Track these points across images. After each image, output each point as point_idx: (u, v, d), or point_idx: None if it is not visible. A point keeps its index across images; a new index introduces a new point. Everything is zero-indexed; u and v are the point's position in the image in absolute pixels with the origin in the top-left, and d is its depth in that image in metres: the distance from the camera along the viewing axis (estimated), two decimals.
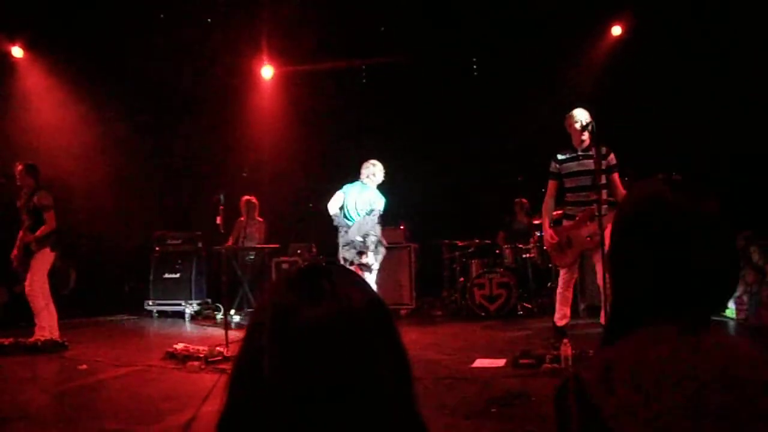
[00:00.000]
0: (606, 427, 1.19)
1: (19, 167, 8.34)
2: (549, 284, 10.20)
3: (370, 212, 8.60)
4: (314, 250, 11.73)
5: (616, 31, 11.68)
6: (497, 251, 11.18)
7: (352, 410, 1.08)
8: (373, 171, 8.80)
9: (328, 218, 9.55)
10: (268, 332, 1.11)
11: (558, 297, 7.07)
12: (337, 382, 1.08)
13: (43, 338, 8.12)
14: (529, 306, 10.54)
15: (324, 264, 1.22)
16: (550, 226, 7.05)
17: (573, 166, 6.74)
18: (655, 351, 1.26)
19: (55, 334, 8.26)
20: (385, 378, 1.13)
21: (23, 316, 8.37)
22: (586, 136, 6.59)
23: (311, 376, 1.07)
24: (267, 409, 1.08)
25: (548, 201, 7.01)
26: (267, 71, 13.00)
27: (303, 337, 1.08)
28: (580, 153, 6.71)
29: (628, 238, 1.41)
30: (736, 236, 1.38)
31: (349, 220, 8.66)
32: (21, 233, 8.29)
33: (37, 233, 8.15)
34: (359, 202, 8.66)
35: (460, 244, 11.28)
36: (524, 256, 10.75)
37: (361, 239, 8.46)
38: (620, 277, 1.43)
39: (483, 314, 10.32)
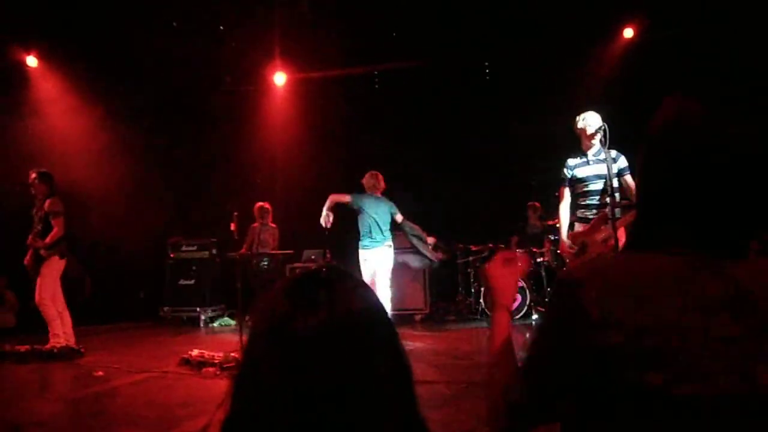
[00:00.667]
0: (591, 330, 1.17)
1: (33, 175, 8.40)
2: None
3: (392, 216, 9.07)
4: (328, 255, 11.74)
5: (629, 33, 11.64)
6: None
7: (351, 417, 1.08)
8: (374, 183, 9.13)
9: (341, 224, 9.60)
10: (266, 341, 1.11)
11: None
12: (335, 390, 1.08)
13: (58, 345, 8.16)
14: (543, 310, 10.51)
15: (322, 271, 1.22)
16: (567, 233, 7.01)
17: (584, 170, 6.71)
18: (659, 264, 1.22)
19: (71, 341, 8.29)
20: (384, 384, 1.13)
21: (39, 322, 8.40)
22: (597, 139, 6.56)
23: (308, 384, 1.07)
24: (268, 416, 1.08)
25: (563, 207, 6.97)
26: (280, 78, 13.04)
27: (299, 345, 1.08)
28: (590, 158, 6.68)
29: (656, 160, 1.35)
30: None
31: (374, 231, 8.93)
32: (30, 239, 8.35)
33: (47, 239, 8.20)
34: (380, 212, 8.98)
35: (473, 248, 11.27)
36: (538, 259, 10.73)
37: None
38: (646, 196, 1.37)
39: None
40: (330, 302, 1.12)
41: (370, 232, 8.89)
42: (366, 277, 8.71)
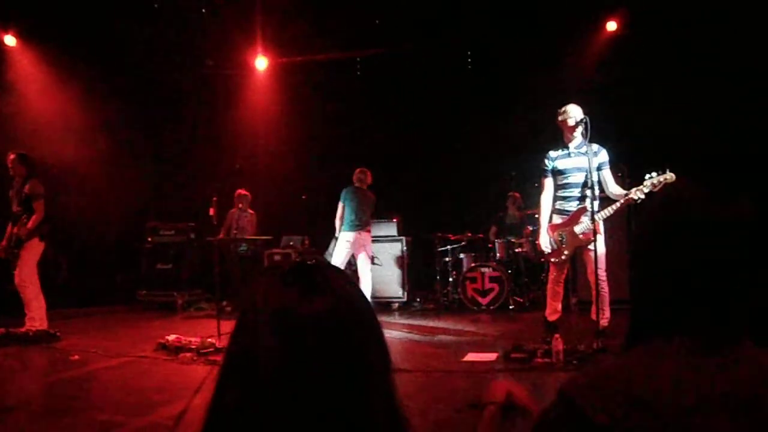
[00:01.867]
0: None
1: (11, 156, 8.33)
2: (542, 276, 10.23)
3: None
4: (307, 242, 11.74)
5: (612, 26, 11.67)
6: (489, 245, 11.20)
7: (345, 401, 1.10)
8: (362, 177, 9.77)
9: (321, 210, 9.63)
10: (268, 329, 1.12)
11: (549, 292, 7.09)
12: (333, 374, 1.10)
13: (34, 329, 8.10)
14: (521, 300, 10.58)
15: (313, 260, 1.24)
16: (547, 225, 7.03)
17: (565, 162, 6.74)
18: (662, 365, 1.20)
19: (44, 325, 8.24)
20: (374, 368, 1.16)
21: (14, 305, 8.34)
22: (578, 132, 6.59)
23: (309, 368, 1.09)
24: (264, 401, 1.09)
25: (544, 199, 7.00)
26: (261, 62, 12.96)
27: (305, 330, 1.10)
28: (572, 150, 6.71)
29: (651, 243, 1.33)
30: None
31: (358, 215, 9.53)
32: (10, 224, 8.29)
33: (29, 224, 8.13)
34: (364, 201, 9.62)
35: (452, 237, 11.30)
36: (516, 250, 10.78)
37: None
38: (641, 284, 1.35)
39: (475, 308, 10.38)
40: (328, 290, 1.16)
41: (355, 216, 9.44)
42: (339, 258, 9.40)
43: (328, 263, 1.28)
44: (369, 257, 9.66)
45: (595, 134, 6.51)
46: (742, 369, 1.18)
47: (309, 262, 1.23)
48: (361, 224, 9.49)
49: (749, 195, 1.27)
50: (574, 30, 11.63)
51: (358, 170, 9.78)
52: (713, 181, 1.30)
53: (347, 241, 9.47)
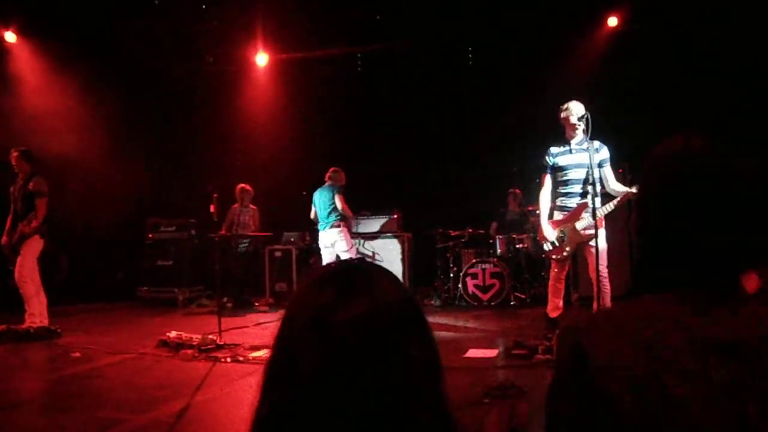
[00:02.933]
0: (592, 376, 1.17)
1: (15, 153, 8.34)
2: (542, 274, 10.23)
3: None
4: (308, 238, 11.73)
5: (613, 22, 11.65)
6: (490, 241, 11.19)
7: (391, 405, 1.09)
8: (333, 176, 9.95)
9: None
10: (306, 334, 1.11)
11: (550, 288, 7.08)
12: (376, 377, 1.09)
13: (35, 325, 8.11)
14: (522, 296, 10.56)
15: (356, 262, 1.23)
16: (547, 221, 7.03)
17: (567, 159, 6.73)
18: (664, 309, 1.21)
19: (45, 322, 8.25)
20: (420, 372, 1.14)
21: (15, 302, 8.35)
22: (580, 129, 6.58)
23: (351, 371, 1.08)
24: (308, 407, 1.09)
25: (544, 195, 6.99)
26: (261, 58, 12.95)
27: (344, 334, 1.09)
28: (573, 146, 6.70)
29: (658, 194, 1.33)
30: None
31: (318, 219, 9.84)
32: (10, 219, 8.29)
33: (34, 222, 8.15)
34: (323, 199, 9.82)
35: (453, 233, 11.28)
36: (517, 246, 10.76)
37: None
38: (647, 237, 1.35)
39: (476, 304, 10.37)
40: (370, 289, 1.14)
41: (318, 217, 9.82)
42: (326, 259, 9.63)
43: (374, 264, 1.26)
44: (347, 252, 9.70)
45: (596, 131, 6.49)
46: (741, 319, 1.18)
47: (353, 263, 1.22)
48: (322, 223, 9.72)
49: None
50: (576, 26, 11.62)
51: (331, 169, 9.98)
52: (725, 138, 1.29)
53: (321, 244, 9.82)
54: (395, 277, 1.23)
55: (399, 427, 1.09)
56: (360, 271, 1.19)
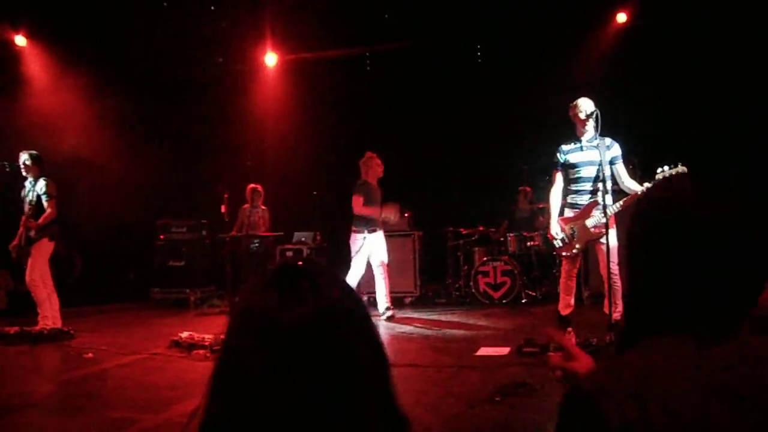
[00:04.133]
0: None
1: (24, 156, 8.39)
2: (553, 271, 10.21)
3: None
4: (318, 238, 11.74)
5: (622, 18, 11.62)
6: (501, 239, 11.17)
7: (337, 408, 1.08)
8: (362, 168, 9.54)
9: (332, 206, 9.60)
10: (250, 337, 1.10)
11: (561, 286, 7.07)
12: (321, 380, 1.07)
13: (48, 327, 8.15)
14: (533, 294, 10.55)
15: (301, 263, 1.20)
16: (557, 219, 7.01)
17: (577, 156, 6.72)
18: (664, 361, 1.20)
19: (58, 323, 8.29)
20: (367, 373, 1.13)
21: (29, 304, 8.39)
22: (590, 125, 6.56)
23: (295, 375, 1.06)
24: (253, 410, 1.08)
25: (554, 192, 6.97)
26: (270, 59, 12.97)
27: (286, 337, 1.08)
28: (584, 143, 6.68)
29: (646, 241, 1.33)
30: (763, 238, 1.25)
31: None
32: (23, 221, 8.35)
33: (40, 220, 8.19)
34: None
35: (464, 232, 11.28)
36: (528, 243, 10.74)
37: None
38: (636, 282, 1.36)
39: (487, 302, 10.35)
40: (314, 293, 1.12)
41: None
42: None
43: (320, 265, 1.22)
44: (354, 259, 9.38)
45: (606, 127, 6.48)
46: (742, 359, 1.19)
47: (295, 264, 1.20)
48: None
49: (750, 190, 1.26)
50: (585, 22, 11.59)
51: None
52: (709, 177, 1.29)
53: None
54: (339, 278, 1.22)
55: (347, 428, 1.08)
56: (303, 272, 1.16)
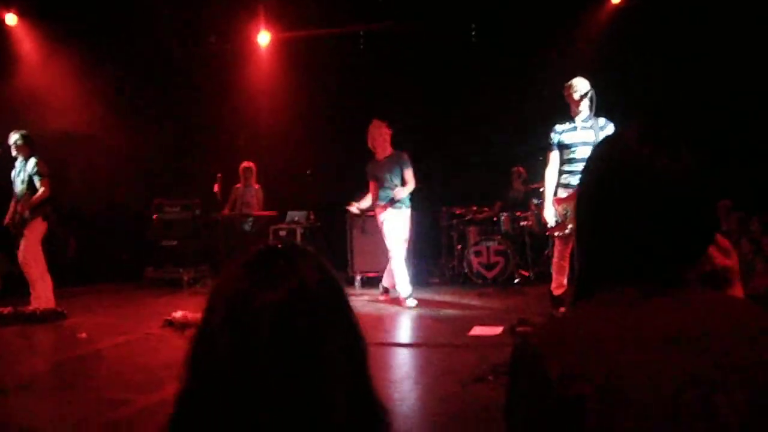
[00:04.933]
0: (553, 390, 1.15)
1: (15, 136, 8.35)
2: (546, 252, 10.24)
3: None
4: (312, 217, 11.73)
5: None
6: (494, 219, 11.18)
7: (306, 392, 1.08)
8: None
9: (326, 186, 9.53)
10: (223, 318, 1.11)
11: (554, 266, 7.09)
12: (291, 365, 1.08)
13: (41, 307, 8.14)
14: (526, 274, 10.58)
15: (280, 246, 1.21)
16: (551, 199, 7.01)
17: (572, 136, 6.72)
18: (614, 310, 1.22)
19: (51, 304, 8.27)
20: (339, 358, 1.13)
21: (24, 285, 8.38)
22: (585, 105, 6.57)
23: (265, 360, 1.07)
24: (223, 392, 1.08)
25: (549, 172, 6.98)
26: (264, 37, 12.88)
27: (258, 321, 1.08)
28: (578, 124, 6.68)
29: (593, 191, 1.34)
30: (710, 192, 1.27)
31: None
32: (12, 204, 8.33)
33: (33, 199, 8.16)
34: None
35: (457, 211, 11.29)
36: (521, 223, 10.76)
37: None
38: (583, 237, 1.37)
39: (480, 282, 10.39)
40: (287, 278, 1.12)
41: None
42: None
43: (300, 248, 1.23)
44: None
45: (602, 108, 6.48)
46: (685, 309, 1.20)
47: (274, 246, 1.20)
48: None
49: (698, 147, 1.27)
50: (579, 3, 11.54)
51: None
52: (658, 133, 1.29)
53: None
54: (319, 261, 1.21)
55: (321, 414, 1.09)
56: (281, 255, 1.16)
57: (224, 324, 1.10)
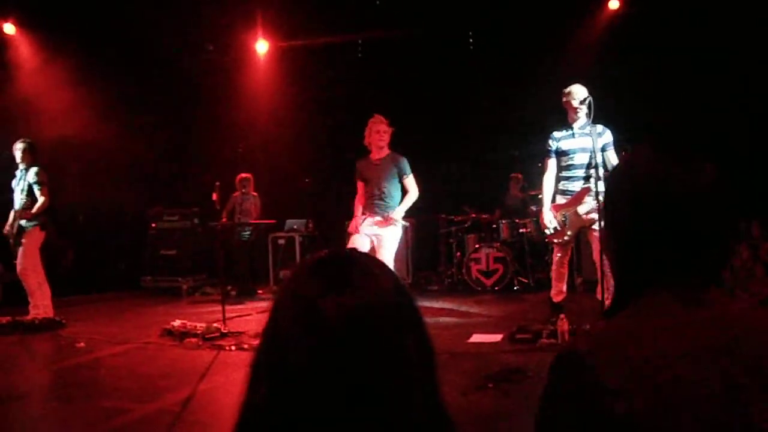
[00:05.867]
0: (605, 401, 1.16)
1: (20, 145, 8.37)
2: (545, 258, 10.23)
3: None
4: (311, 225, 11.72)
5: (614, 5, 11.57)
6: (494, 226, 11.19)
7: (382, 400, 1.07)
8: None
9: (324, 194, 9.49)
10: (295, 324, 1.09)
11: (553, 273, 7.08)
12: (366, 372, 1.06)
13: (40, 316, 8.12)
14: (526, 280, 10.57)
15: (348, 252, 1.20)
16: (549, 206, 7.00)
17: (570, 143, 6.71)
18: (655, 322, 1.25)
19: (50, 313, 8.26)
20: (413, 366, 1.12)
21: (20, 295, 8.36)
22: (582, 112, 6.56)
23: (340, 366, 1.05)
24: (298, 399, 1.07)
25: (547, 179, 6.96)
26: (262, 46, 12.90)
27: (331, 326, 1.06)
28: (576, 130, 6.68)
29: (623, 209, 1.38)
30: (733, 202, 1.34)
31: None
32: (12, 212, 8.32)
33: (33, 210, 8.15)
34: None
35: (456, 219, 11.29)
36: (520, 230, 10.76)
37: None
38: (619, 250, 1.42)
39: (479, 289, 10.38)
40: (360, 283, 1.11)
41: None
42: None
43: (364, 254, 1.22)
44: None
45: (600, 114, 6.48)
46: (718, 319, 1.24)
47: (344, 253, 1.19)
48: None
49: (717, 161, 1.33)
50: (576, 9, 11.55)
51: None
52: (679, 149, 1.35)
53: None
54: (389, 270, 1.20)
55: (391, 422, 1.07)
56: (353, 261, 1.16)
57: (298, 328, 1.09)
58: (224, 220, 10.97)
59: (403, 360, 1.10)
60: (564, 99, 6.69)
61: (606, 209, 1.45)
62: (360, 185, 7.83)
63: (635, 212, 1.34)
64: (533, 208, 10.54)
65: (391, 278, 1.17)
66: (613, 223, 1.42)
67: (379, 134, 7.82)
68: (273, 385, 1.09)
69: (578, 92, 6.56)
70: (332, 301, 1.07)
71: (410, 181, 7.80)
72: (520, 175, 11.60)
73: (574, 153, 6.68)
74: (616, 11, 11.56)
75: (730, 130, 10.03)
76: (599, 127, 6.58)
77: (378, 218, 7.57)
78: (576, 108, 6.57)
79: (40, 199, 8.20)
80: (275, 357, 1.11)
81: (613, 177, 1.49)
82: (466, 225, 11.27)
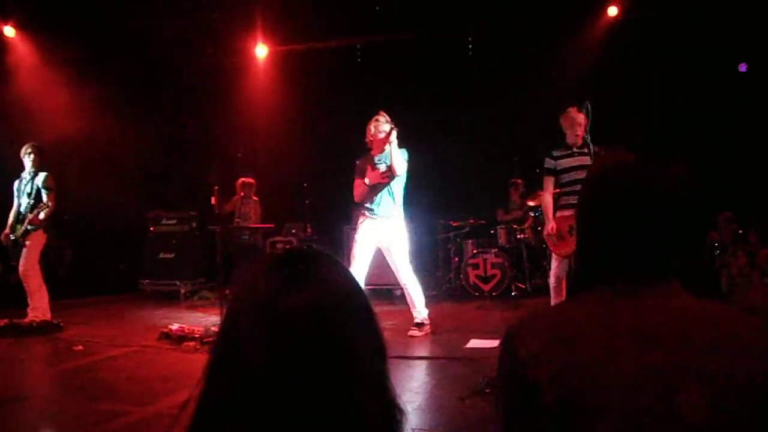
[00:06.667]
0: (519, 371, 1.30)
1: (29, 149, 8.40)
2: (543, 264, 10.22)
3: None
4: (309, 230, 11.73)
5: (613, 11, 11.59)
6: (492, 231, 11.20)
7: (334, 394, 1.08)
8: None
9: (323, 198, 9.48)
10: (251, 319, 1.10)
11: (552, 290, 6.93)
12: (320, 367, 1.08)
13: (37, 319, 8.12)
14: (523, 286, 10.56)
15: (305, 248, 1.23)
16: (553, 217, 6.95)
17: (569, 161, 6.68)
18: (588, 307, 1.36)
19: (47, 316, 8.26)
20: (365, 361, 1.14)
21: (17, 297, 8.36)
22: (581, 134, 6.49)
23: (293, 361, 1.07)
24: (250, 394, 1.07)
25: (546, 197, 6.92)
26: (261, 50, 12.92)
27: (287, 322, 1.08)
28: (575, 150, 6.66)
29: (584, 205, 1.50)
30: (686, 202, 1.41)
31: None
32: (12, 213, 8.33)
33: (42, 215, 8.14)
34: None
35: (454, 224, 11.29)
36: (519, 236, 10.76)
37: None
38: (578, 244, 1.52)
39: (477, 294, 10.37)
40: (316, 279, 1.13)
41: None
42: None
43: (323, 252, 1.24)
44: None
45: (598, 123, 6.47)
46: (656, 310, 1.32)
47: (298, 250, 1.22)
48: None
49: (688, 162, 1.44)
50: (575, 15, 11.57)
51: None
52: (646, 146, 1.50)
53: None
54: (341, 265, 1.22)
55: (345, 415, 1.09)
56: (307, 257, 1.17)
57: (254, 327, 1.10)
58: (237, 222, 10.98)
59: (354, 355, 1.12)
60: (562, 119, 6.67)
61: (579, 200, 1.54)
62: (358, 181, 7.91)
63: (591, 210, 1.47)
64: (532, 214, 10.55)
65: (344, 273, 1.19)
66: (582, 214, 1.51)
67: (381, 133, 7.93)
68: (229, 381, 1.10)
69: (577, 115, 6.49)
70: (288, 297, 1.09)
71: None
72: (520, 181, 11.59)
73: (574, 170, 6.60)
74: (614, 18, 11.58)
75: (727, 137, 10.06)
76: (596, 149, 6.55)
77: (378, 220, 7.85)
78: (574, 129, 6.54)
79: (50, 204, 8.22)
80: (232, 352, 1.12)
81: (588, 173, 1.59)
82: (464, 230, 11.27)
